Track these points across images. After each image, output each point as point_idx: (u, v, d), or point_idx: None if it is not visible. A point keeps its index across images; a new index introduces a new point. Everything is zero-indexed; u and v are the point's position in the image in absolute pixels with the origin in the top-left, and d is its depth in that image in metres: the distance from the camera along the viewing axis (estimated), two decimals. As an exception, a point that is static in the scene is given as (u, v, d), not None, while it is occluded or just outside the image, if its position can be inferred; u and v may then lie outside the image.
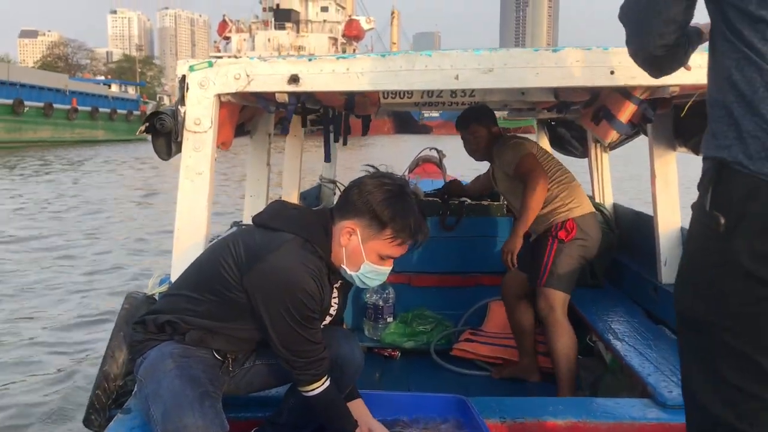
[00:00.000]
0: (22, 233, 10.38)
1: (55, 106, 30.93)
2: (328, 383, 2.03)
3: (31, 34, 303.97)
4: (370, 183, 2.02)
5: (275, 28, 76.35)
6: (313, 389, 2.01)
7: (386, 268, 2.07)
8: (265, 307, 1.92)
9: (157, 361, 1.94)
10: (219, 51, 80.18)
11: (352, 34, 77.18)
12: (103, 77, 68.11)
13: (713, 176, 1.39)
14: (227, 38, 77.61)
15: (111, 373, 2.11)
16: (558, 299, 3.22)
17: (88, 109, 34.02)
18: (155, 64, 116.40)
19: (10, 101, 27.67)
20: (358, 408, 2.19)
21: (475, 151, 3.60)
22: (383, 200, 1.97)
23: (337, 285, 2.15)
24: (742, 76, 1.36)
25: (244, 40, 78.10)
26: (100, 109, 35.77)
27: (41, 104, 29.76)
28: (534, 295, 3.54)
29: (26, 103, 28.47)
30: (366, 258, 2.01)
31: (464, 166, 5.86)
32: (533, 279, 3.34)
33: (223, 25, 78.57)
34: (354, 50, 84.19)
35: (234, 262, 1.98)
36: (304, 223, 2.03)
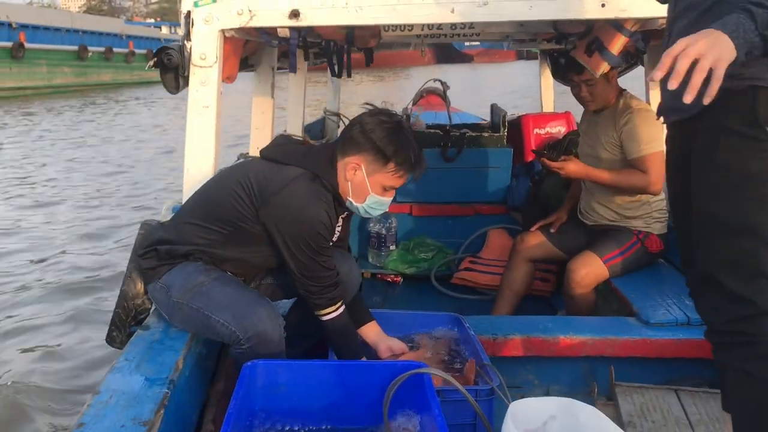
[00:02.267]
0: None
1: (115, 50, 32.25)
2: (342, 309, 2.20)
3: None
4: (371, 121, 2.15)
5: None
6: (329, 313, 2.17)
7: (388, 199, 2.23)
8: (283, 239, 2.09)
9: (187, 281, 2.12)
10: None
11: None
12: (152, 20, 68.73)
13: (754, 99, 1.61)
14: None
15: (129, 293, 2.27)
16: (602, 279, 3.06)
17: (144, 51, 35.08)
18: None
19: (75, 47, 29.18)
20: (374, 329, 2.36)
21: (589, 102, 3.16)
22: (385, 136, 2.11)
23: (343, 216, 2.30)
24: None
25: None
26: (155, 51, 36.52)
27: (102, 49, 31.14)
28: (543, 269, 3.65)
29: (89, 48, 29.99)
30: (371, 190, 2.17)
31: (493, 97, 5.89)
32: (574, 251, 3.18)
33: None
34: None
35: (247, 195, 2.13)
36: (312, 158, 2.17)
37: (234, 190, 2.15)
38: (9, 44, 24.76)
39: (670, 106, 1.79)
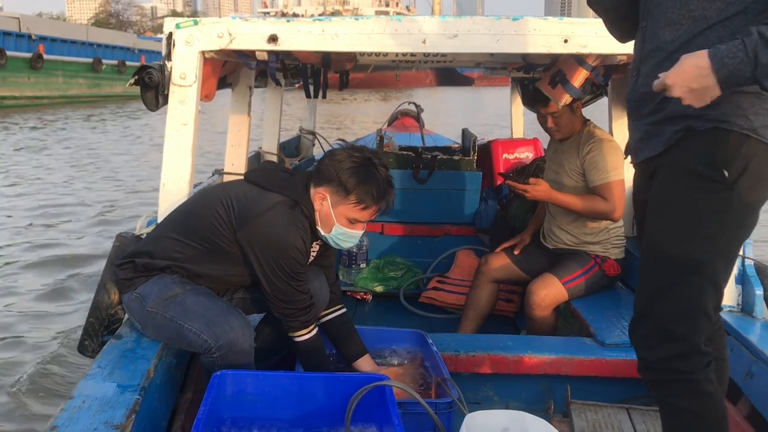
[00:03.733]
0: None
1: (127, 63, 33.40)
2: (315, 332, 2.28)
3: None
4: (340, 154, 2.26)
5: (321, -17, 78.75)
6: (302, 335, 2.26)
7: (357, 232, 2.31)
8: (259, 262, 2.17)
9: (162, 291, 2.18)
10: (266, 6, 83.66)
11: (395, -11, 79.73)
12: (162, 35, 71.88)
13: (715, 141, 1.64)
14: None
15: (103, 303, 2.33)
16: (561, 300, 3.18)
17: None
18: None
19: (90, 60, 30.44)
20: (368, 362, 2.45)
21: (555, 131, 3.28)
22: (349, 169, 2.20)
23: (319, 242, 2.38)
24: None
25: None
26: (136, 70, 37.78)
27: (115, 62, 32.39)
28: (508, 290, 3.77)
29: (103, 61, 31.23)
30: (336, 221, 2.25)
31: (487, 118, 6.02)
32: (536, 273, 3.29)
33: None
34: (397, 3, 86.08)
35: (226, 214, 2.21)
36: (292, 186, 2.27)
37: (215, 209, 2.23)
38: (28, 55, 25.78)
39: (641, 147, 1.81)
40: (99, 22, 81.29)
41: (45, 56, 26.49)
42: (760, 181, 1.66)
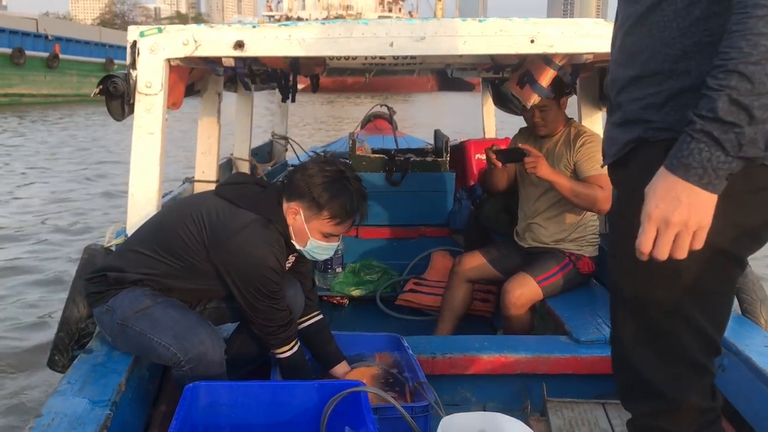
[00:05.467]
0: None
1: None
2: (297, 348, 2.26)
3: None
4: (312, 168, 2.22)
5: (325, -14, 79.81)
6: (283, 352, 2.24)
7: (332, 244, 2.29)
8: (235, 284, 2.15)
9: (133, 304, 2.15)
10: (271, 10, 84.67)
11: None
12: None
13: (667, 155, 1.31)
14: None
15: (73, 317, 2.29)
16: (536, 299, 3.19)
17: (164, 65, 38.73)
18: (207, 21, 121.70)
19: (103, 60, 31.66)
20: (343, 369, 2.44)
21: (541, 126, 3.29)
22: (321, 184, 2.17)
23: (295, 254, 2.36)
24: None
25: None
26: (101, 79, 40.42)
27: (126, 62, 33.16)
28: (484, 290, 3.79)
29: (115, 61, 32.15)
30: (310, 235, 2.23)
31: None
32: (510, 272, 3.29)
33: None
34: (400, 9, 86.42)
35: (197, 232, 2.18)
36: (265, 203, 2.24)
37: (185, 224, 2.20)
38: (45, 55, 27.33)
39: (604, 150, 1.56)
40: (104, 22, 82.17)
41: (60, 56, 27.73)
42: (726, 202, 1.25)
